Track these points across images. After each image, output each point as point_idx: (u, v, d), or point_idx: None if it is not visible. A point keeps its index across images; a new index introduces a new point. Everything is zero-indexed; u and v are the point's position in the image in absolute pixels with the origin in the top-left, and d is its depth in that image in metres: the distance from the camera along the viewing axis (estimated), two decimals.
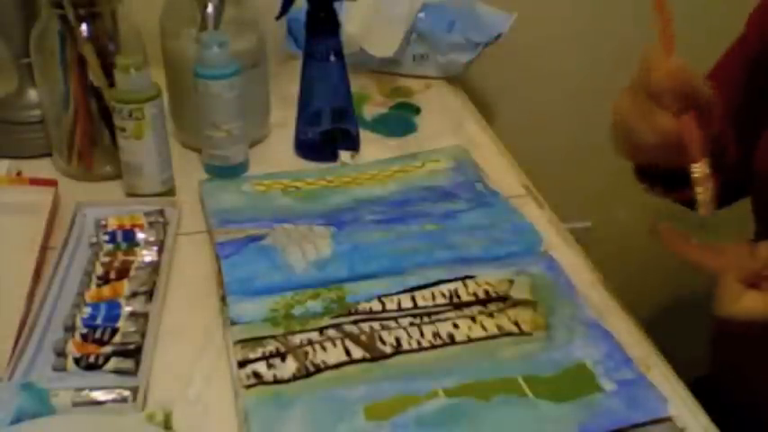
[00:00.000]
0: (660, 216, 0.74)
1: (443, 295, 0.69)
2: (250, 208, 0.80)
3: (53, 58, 0.83)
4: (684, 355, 0.74)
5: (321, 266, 0.72)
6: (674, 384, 0.63)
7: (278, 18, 0.90)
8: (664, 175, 0.72)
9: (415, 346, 0.64)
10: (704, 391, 0.65)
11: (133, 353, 0.63)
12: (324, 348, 0.63)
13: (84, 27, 0.81)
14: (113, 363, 0.62)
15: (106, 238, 0.75)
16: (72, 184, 0.86)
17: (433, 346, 0.64)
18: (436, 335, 0.65)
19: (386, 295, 0.69)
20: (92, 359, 0.62)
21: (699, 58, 0.83)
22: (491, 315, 0.67)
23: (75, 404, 0.58)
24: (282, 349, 0.63)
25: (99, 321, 0.66)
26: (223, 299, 0.69)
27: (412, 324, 0.66)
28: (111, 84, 0.81)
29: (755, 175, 0.76)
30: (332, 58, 0.88)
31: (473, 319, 0.67)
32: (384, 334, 0.65)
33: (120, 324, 0.66)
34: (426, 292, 0.69)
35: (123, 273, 0.71)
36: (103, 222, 0.77)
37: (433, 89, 1.10)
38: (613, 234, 1.42)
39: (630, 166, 0.77)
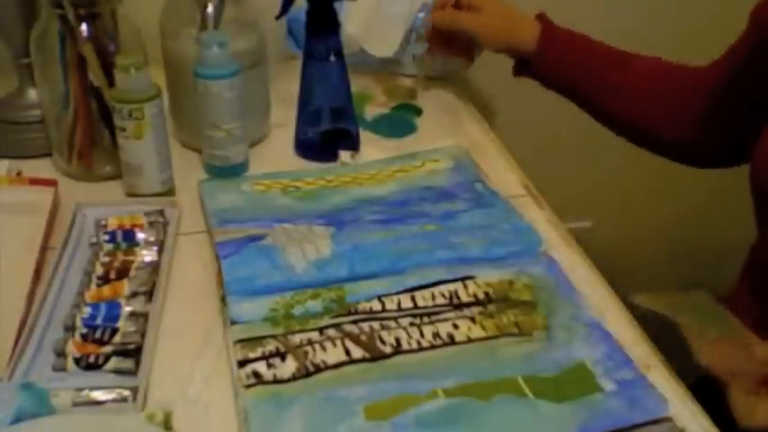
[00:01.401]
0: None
1: (443, 296, 0.69)
2: (249, 208, 0.80)
3: (53, 58, 0.83)
4: (684, 354, 0.74)
5: (321, 266, 0.72)
6: (673, 384, 0.63)
7: (278, 18, 0.90)
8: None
9: (414, 346, 0.64)
10: (704, 391, 0.65)
11: (133, 353, 0.63)
12: (324, 348, 0.63)
13: (84, 27, 0.81)
14: (113, 363, 0.62)
15: (106, 238, 0.75)
16: (72, 184, 0.86)
17: (433, 347, 0.64)
18: (436, 335, 0.65)
19: (386, 295, 0.69)
20: (92, 359, 0.62)
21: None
22: (491, 316, 0.67)
23: (75, 404, 0.58)
24: (282, 349, 0.63)
25: (99, 321, 0.66)
26: (223, 299, 0.69)
27: (412, 324, 0.66)
28: (111, 84, 0.81)
29: (754, 186, 0.76)
30: (332, 58, 0.88)
31: (473, 319, 0.67)
32: (384, 334, 0.65)
33: (120, 324, 0.66)
34: (426, 293, 0.69)
35: (123, 273, 0.71)
36: (103, 222, 0.77)
37: (433, 89, 1.10)
38: (613, 234, 1.42)
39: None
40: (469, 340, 0.65)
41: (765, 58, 0.78)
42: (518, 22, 0.94)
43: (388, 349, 0.64)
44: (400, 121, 1.01)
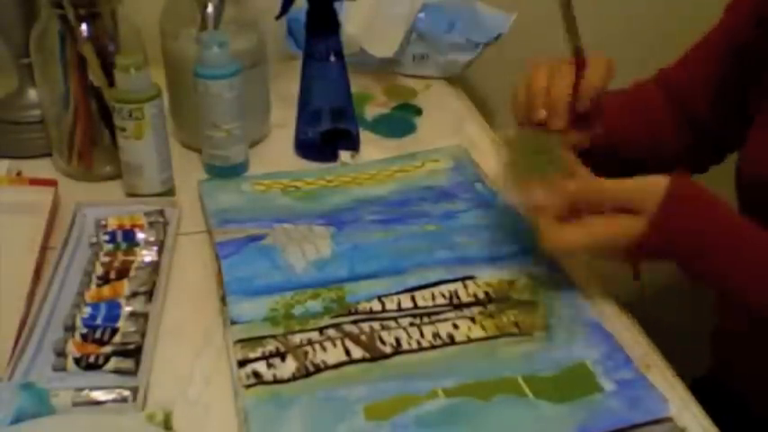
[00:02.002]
0: None
1: (443, 296, 0.69)
2: (249, 208, 0.80)
3: (53, 58, 0.83)
4: (684, 354, 0.74)
5: (321, 266, 0.72)
6: (673, 384, 0.63)
7: (278, 18, 0.90)
8: None
9: (414, 346, 0.64)
10: (704, 391, 0.65)
11: (133, 353, 0.63)
12: (324, 348, 0.63)
13: (84, 27, 0.81)
14: (113, 363, 0.62)
15: (106, 238, 0.75)
16: (72, 184, 0.86)
17: (433, 347, 0.64)
18: (436, 335, 0.65)
19: (386, 295, 0.69)
20: (92, 359, 0.62)
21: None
22: (491, 316, 0.67)
23: (76, 404, 0.58)
24: (282, 349, 0.63)
25: (99, 321, 0.66)
26: (223, 299, 0.69)
27: (412, 324, 0.66)
28: (111, 84, 0.81)
29: (742, 179, 0.76)
30: (332, 58, 0.88)
31: (473, 319, 0.67)
32: (384, 334, 0.65)
33: (120, 324, 0.66)
34: (426, 293, 0.69)
35: (123, 273, 0.71)
36: (103, 222, 0.77)
37: (433, 89, 1.10)
38: None
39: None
40: (469, 340, 0.65)
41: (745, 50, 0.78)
42: None
43: (388, 349, 0.64)
44: (400, 121, 1.01)
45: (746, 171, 0.75)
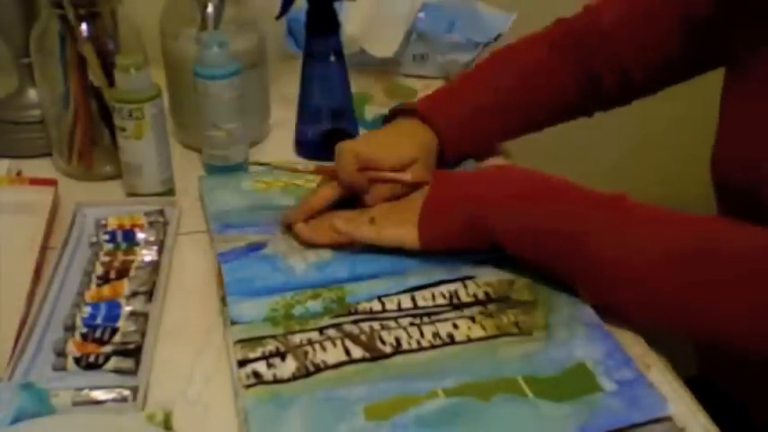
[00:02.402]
0: None
1: (443, 296, 0.69)
2: (250, 210, 0.80)
3: (53, 58, 0.83)
4: (681, 354, 0.74)
5: (321, 267, 0.72)
6: (673, 383, 0.63)
7: (278, 18, 0.90)
8: None
9: (414, 345, 0.64)
10: (704, 390, 0.65)
11: (133, 352, 0.63)
12: (323, 348, 0.63)
13: (84, 27, 0.81)
14: (113, 362, 0.62)
15: (106, 237, 0.75)
16: (72, 184, 0.87)
17: (433, 346, 0.64)
18: (436, 335, 0.65)
19: (386, 295, 0.69)
20: (92, 359, 0.62)
21: None
22: (491, 315, 0.67)
23: (75, 404, 0.58)
24: (282, 349, 0.63)
25: (99, 321, 0.66)
26: (223, 299, 0.69)
27: (412, 324, 0.66)
28: (111, 84, 0.81)
29: (714, 180, 0.75)
30: (332, 57, 0.88)
31: (473, 319, 0.67)
32: (384, 334, 0.65)
33: (120, 324, 0.66)
34: (426, 293, 0.69)
35: (123, 272, 0.71)
36: (103, 222, 0.77)
37: (432, 89, 1.09)
38: None
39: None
40: (469, 340, 0.65)
41: None
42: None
43: (388, 349, 0.64)
44: None
45: (717, 171, 0.74)
